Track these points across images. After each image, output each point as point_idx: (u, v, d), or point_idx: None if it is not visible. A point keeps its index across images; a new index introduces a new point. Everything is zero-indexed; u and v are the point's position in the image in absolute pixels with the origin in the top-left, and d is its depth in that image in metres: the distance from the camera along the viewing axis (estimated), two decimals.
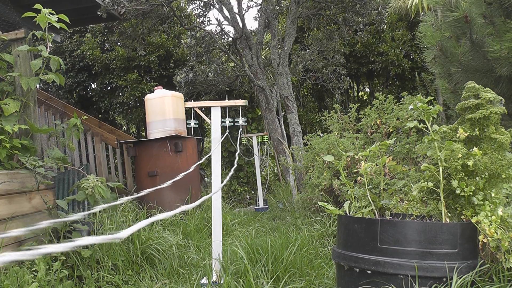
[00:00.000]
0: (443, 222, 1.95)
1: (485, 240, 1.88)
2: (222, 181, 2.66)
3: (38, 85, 3.26)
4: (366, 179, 2.30)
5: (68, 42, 9.81)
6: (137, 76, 9.31)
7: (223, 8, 7.69)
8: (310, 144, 4.93)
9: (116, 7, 6.34)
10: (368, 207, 2.19)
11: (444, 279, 1.74)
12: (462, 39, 3.58)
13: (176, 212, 1.09)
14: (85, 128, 5.50)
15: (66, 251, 2.76)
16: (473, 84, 2.12)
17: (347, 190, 2.39)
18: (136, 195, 1.24)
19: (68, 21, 3.02)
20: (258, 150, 7.33)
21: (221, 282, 2.65)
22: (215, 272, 2.81)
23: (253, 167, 8.28)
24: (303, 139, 6.05)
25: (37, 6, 2.96)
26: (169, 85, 8.61)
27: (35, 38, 3.16)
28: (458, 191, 1.92)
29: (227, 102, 3.26)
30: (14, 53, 3.18)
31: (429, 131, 2.06)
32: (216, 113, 3.13)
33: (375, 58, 10.27)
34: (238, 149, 3.11)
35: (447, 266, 1.74)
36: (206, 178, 7.96)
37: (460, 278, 1.73)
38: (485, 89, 2.08)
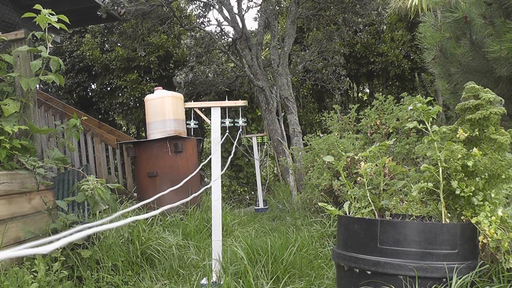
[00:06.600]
0: (443, 222, 1.95)
1: (485, 241, 1.88)
2: (222, 182, 2.66)
3: (38, 86, 3.26)
4: (366, 179, 2.30)
5: (68, 42, 9.81)
6: (137, 76, 9.31)
7: (223, 8, 7.68)
8: (310, 144, 4.93)
9: (116, 7, 6.35)
10: (368, 208, 2.19)
11: (444, 279, 1.74)
12: (462, 39, 3.58)
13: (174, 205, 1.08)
14: (85, 128, 5.50)
15: (66, 252, 2.76)
16: (473, 85, 2.12)
17: (347, 191, 2.39)
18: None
19: (68, 22, 3.02)
20: (258, 151, 7.32)
21: (221, 282, 2.65)
22: (215, 272, 2.81)
23: (253, 168, 8.28)
24: (303, 140, 6.05)
25: (37, 6, 2.96)
26: (169, 86, 8.61)
27: (35, 38, 3.16)
28: (458, 192, 1.92)
29: (227, 103, 3.26)
30: (14, 54, 3.17)
31: (429, 131, 2.06)
32: (216, 114, 3.13)
33: (375, 59, 10.28)
34: (233, 150, 3.10)
35: (447, 267, 1.74)
36: (206, 179, 7.96)
37: (460, 279, 1.73)
38: (485, 89, 2.08)
